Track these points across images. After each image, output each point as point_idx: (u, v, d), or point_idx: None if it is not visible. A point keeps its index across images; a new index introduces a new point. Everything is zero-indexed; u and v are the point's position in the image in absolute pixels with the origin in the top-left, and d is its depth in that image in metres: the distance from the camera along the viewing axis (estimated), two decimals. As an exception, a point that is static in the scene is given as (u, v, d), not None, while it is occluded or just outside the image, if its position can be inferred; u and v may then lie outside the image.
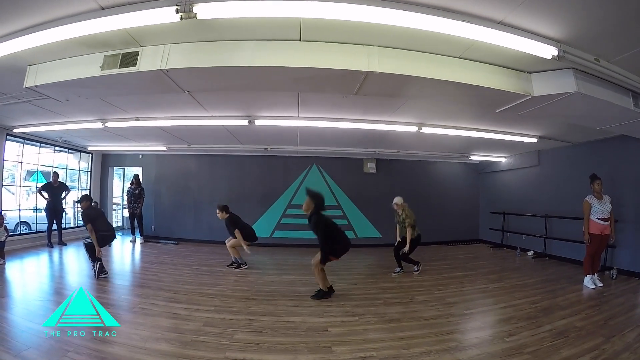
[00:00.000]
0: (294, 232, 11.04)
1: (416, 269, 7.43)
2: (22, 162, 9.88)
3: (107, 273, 6.47)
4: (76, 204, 6.31)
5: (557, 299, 5.72)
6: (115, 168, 13.34)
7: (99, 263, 6.36)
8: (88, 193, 6.75)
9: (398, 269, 7.43)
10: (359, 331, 4.36)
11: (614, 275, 6.93)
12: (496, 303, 5.55)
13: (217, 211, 7.85)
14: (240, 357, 3.61)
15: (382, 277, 7.12)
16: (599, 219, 6.37)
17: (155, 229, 11.89)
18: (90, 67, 4.07)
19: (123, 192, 13.91)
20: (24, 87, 4.51)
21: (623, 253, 7.27)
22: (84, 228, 11.34)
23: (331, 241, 5.51)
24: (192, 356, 3.59)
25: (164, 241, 11.23)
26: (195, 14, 2.92)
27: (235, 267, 7.71)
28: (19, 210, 9.99)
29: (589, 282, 6.44)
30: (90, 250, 6.45)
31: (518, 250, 10.25)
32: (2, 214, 7.85)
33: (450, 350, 3.83)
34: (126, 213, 12.21)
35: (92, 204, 7.01)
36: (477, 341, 4.11)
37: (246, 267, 7.64)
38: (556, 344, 3.94)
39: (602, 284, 6.41)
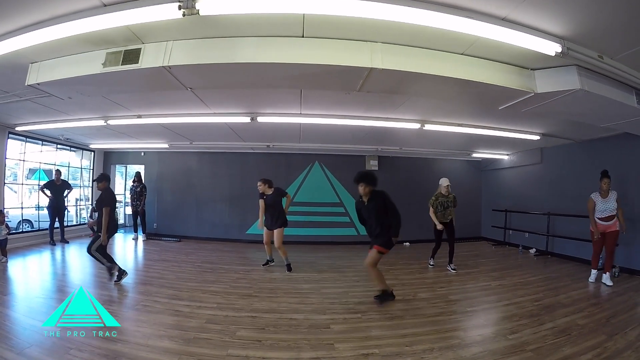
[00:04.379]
0: (296, 230, 10.93)
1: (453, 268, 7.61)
2: (24, 160, 9.89)
3: (126, 273, 6.17)
4: (94, 182, 5.95)
5: (560, 296, 5.71)
6: (117, 166, 13.32)
7: (116, 267, 6.03)
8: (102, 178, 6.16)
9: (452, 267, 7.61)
10: (361, 328, 4.36)
11: (616, 274, 6.90)
12: (498, 300, 5.55)
13: (260, 184, 7.28)
14: (243, 354, 3.61)
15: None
16: (598, 218, 6.45)
17: (157, 227, 11.92)
18: (92, 64, 4.06)
19: (125, 190, 13.93)
20: (26, 85, 4.50)
21: (625, 251, 7.23)
22: (85, 225, 11.51)
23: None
24: (194, 353, 3.60)
25: (166, 239, 11.26)
26: (198, 10, 2.91)
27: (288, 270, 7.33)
28: (21, 208, 10.01)
29: (592, 276, 6.62)
30: (102, 250, 5.98)
31: (520, 248, 10.22)
32: (4, 211, 7.86)
33: (453, 348, 3.83)
34: (129, 210, 12.22)
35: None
36: (480, 338, 4.12)
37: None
38: (558, 342, 3.94)
39: (611, 284, 6.40)
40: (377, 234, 5.36)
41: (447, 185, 7.51)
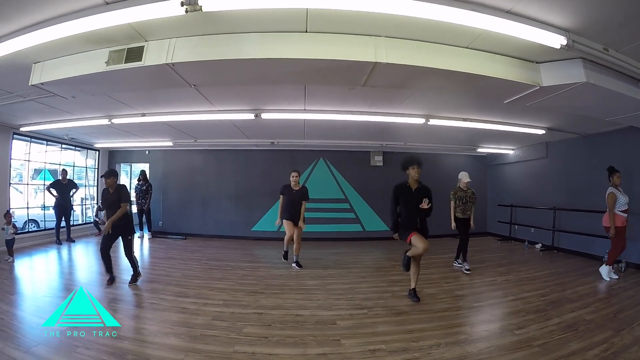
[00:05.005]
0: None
1: (461, 264, 7.32)
2: (29, 161, 9.93)
3: (140, 275, 6.14)
4: (102, 178, 5.72)
5: (566, 291, 5.69)
6: (122, 164, 13.37)
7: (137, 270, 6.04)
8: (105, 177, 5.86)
9: (467, 266, 7.15)
10: (367, 324, 4.36)
11: (623, 269, 6.88)
12: (505, 296, 5.54)
13: (296, 175, 7.23)
14: (250, 351, 3.62)
15: (390, 270, 7.12)
16: (621, 211, 6.31)
17: (163, 225, 11.98)
18: (95, 63, 4.07)
19: (130, 189, 13.94)
20: (30, 85, 4.52)
21: (632, 246, 7.16)
22: (91, 224, 11.55)
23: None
24: (201, 350, 3.61)
25: (172, 236, 11.31)
26: (201, 6, 2.90)
27: (298, 266, 7.25)
28: (27, 208, 10.05)
29: (606, 273, 6.38)
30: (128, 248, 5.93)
31: (526, 243, 10.22)
32: (11, 212, 7.90)
33: (460, 343, 3.82)
34: (134, 209, 12.27)
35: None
36: (487, 334, 4.12)
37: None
38: (565, 337, 3.93)
39: (617, 277, 6.41)
40: (421, 227, 5.08)
41: (467, 182, 7.35)
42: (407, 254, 5.18)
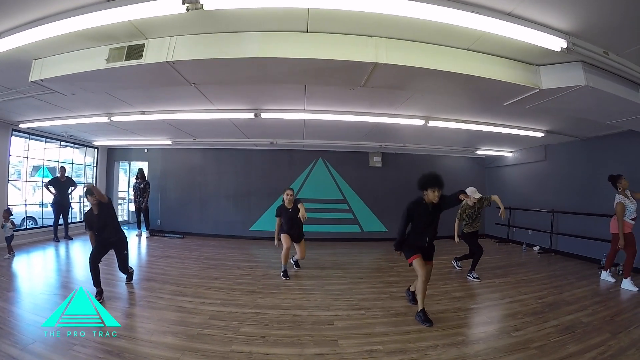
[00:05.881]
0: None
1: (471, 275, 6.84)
2: (27, 158, 9.91)
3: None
4: (87, 196, 5.36)
5: (564, 294, 5.70)
6: (120, 162, 13.39)
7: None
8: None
9: (475, 274, 6.74)
10: (365, 325, 4.37)
11: (620, 272, 6.87)
12: (502, 298, 5.55)
13: (291, 193, 6.68)
14: (247, 350, 3.62)
15: (388, 271, 7.12)
16: (630, 219, 6.20)
17: (161, 223, 11.98)
18: (95, 60, 4.06)
19: (129, 187, 13.98)
20: (29, 81, 4.51)
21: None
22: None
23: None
24: (198, 349, 3.61)
25: (169, 235, 11.30)
26: (202, 4, 2.91)
27: (296, 266, 7.24)
28: (25, 205, 10.04)
29: (629, 284, 6.08)
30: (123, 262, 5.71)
31: (524, 246, 10.21)
32: (9, 208, 7.89)
33: (457, 345, 3.82)
34: (132, 207, 12.25)
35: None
36: (484, 336, 4.12)
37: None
38: (562, 340, 3.94)
39: (614, 280, 6.44)
40: (428, 246, 4.74)
41: (479, 197, 6.63)
42: (410, 288, 5.24)
